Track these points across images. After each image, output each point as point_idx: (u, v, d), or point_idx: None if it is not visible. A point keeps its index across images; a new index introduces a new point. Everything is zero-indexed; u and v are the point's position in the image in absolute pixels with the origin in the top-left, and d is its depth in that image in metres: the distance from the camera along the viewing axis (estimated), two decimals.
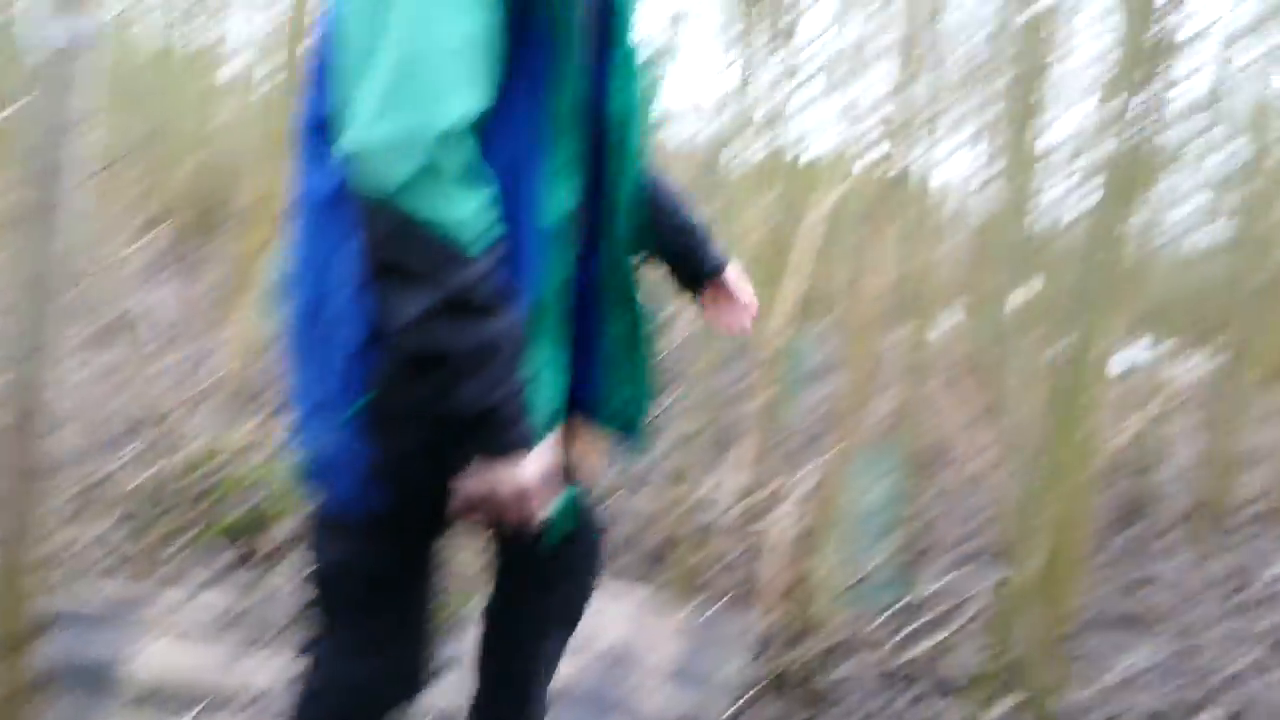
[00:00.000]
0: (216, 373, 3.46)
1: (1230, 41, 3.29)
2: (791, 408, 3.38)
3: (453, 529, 1.13)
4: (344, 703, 1.15)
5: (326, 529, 1.11)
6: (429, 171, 0.86)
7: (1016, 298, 2.33)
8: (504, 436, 0.93)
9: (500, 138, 0.98)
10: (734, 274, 1.37)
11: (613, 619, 2.22)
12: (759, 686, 2.07)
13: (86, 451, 2.63)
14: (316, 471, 1.07)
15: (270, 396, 3.15)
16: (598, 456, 1.41)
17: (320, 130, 1.02)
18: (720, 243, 1.37)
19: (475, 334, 0.89)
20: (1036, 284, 2.29)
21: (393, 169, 0.86)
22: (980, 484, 3.02)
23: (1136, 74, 1.73)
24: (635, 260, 1.19)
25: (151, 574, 2.20)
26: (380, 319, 0.95)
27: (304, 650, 1.18)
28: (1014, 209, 2.45)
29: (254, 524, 2.40)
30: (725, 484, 2.94)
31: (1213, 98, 3.37)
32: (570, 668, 1.71)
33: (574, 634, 1.36)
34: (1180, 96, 2.91)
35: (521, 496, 0.96)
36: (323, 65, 1.03)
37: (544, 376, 1.03)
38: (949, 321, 3.36)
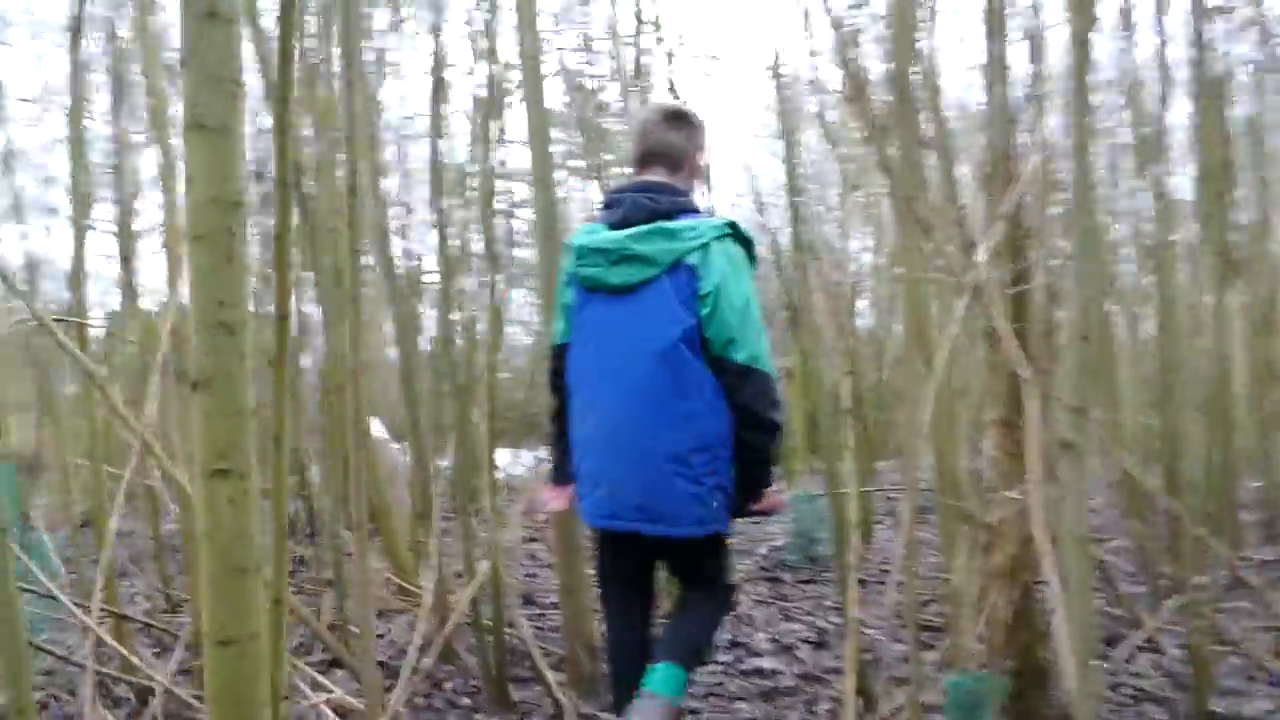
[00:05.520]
0: None
1: None
2: None
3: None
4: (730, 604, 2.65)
5: (723, 542, 2.40)
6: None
7: None
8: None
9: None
10: None
11: None
12: None
13: None
14: (714, 519, 2.26)
15: None
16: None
17: (692, 337, 2.22)
18: None
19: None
20: None
21: (770, 368, 2.23)
22: None
23: None
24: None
25: None
26: (762, 424, 2.24)
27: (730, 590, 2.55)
28: None
29: None
30: None
31: None
32: None
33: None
34: None
35: (778, 504, 2.39)
36: (691, 295, 2.22)
37: None
38: None
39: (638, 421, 2.22)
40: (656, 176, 2.38)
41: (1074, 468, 1.50)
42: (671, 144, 2.39)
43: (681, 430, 2.21)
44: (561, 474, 2.48)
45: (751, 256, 2.34)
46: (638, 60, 4.49)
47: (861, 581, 4.57)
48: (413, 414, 3.16)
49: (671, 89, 4.45)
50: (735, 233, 2.30)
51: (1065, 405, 1.38)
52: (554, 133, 4.12)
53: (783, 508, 2.50)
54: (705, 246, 2.22)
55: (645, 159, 2.41)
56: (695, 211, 2.34)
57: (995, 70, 2.69)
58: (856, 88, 3.10)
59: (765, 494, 2.32)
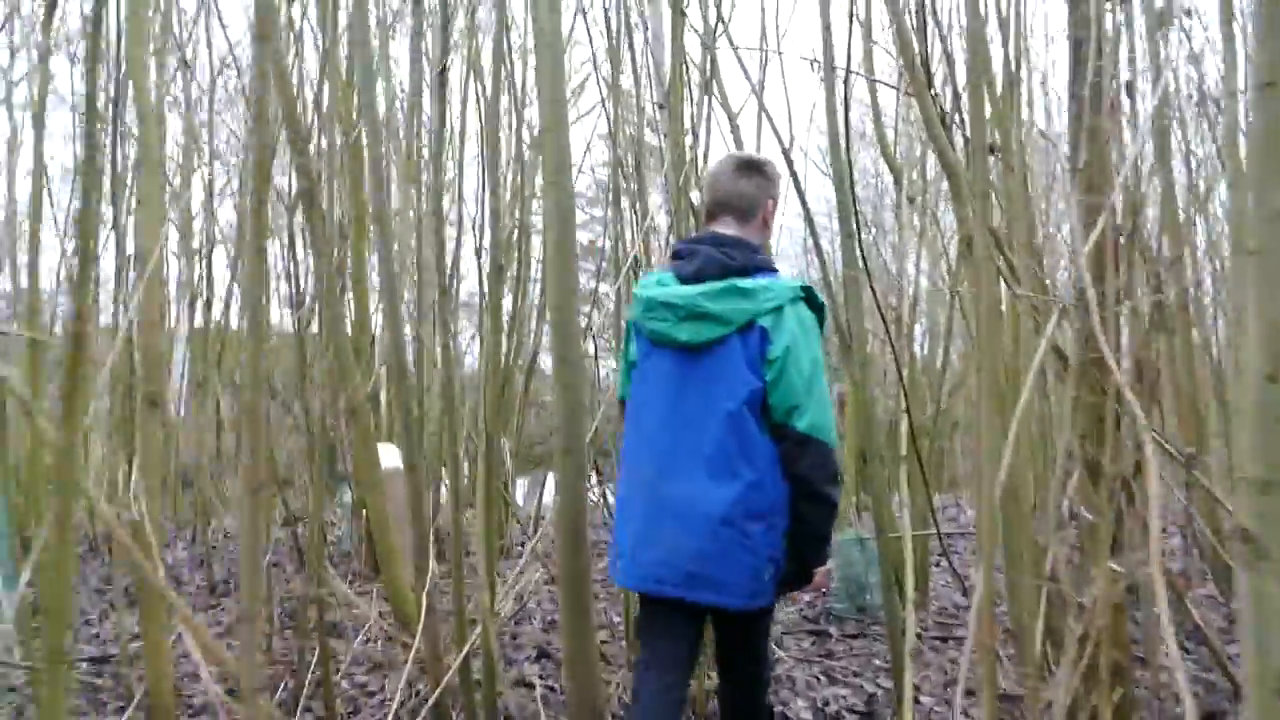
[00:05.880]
0: None
1: None
2: None
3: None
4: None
5: (769, 614, 2.40)
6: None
7: None
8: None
9: None
10: None
11: None
12: None
13: None
14: (766, 592, 2.18)
15: None
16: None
17: (757, 401, 2.15)
18: None
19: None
20: None
21: (832, 439, 2.17)
22: None
23: None
24: None
25: None
26: (818, 497, 2.17)
27: (767, 668, 2.49)
28: None
29: None
30: None
31: None
32: None
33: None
34: None
35: (822, 584, 2.28)
36: (759, 357, 2.15)
37: None
38: None
39: (697, 485, 2.15)
40: (727, 228, 2.32)
41: (1263, 573, 1.02)
42: (743, 194, 2.32)
43: (743, 498, 2.12)
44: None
45: (822, 321, 2.26)
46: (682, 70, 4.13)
47: (915, 636, 4.14)
48: (410, 441, 2.81)
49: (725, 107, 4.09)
50: (809, 296, 2.23)
51: (1251, 479, 0.96)
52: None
53: (826, 586, 2.45)
54: (779, 309, 2.16)
55: (715, 209, 2.35)
56: (771, 270, 2.26)
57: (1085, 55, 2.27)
58: (920, 80, 2.70)
59: (815, 572, 2.25)
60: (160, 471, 2.77)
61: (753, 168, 2.35)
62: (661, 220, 4.44)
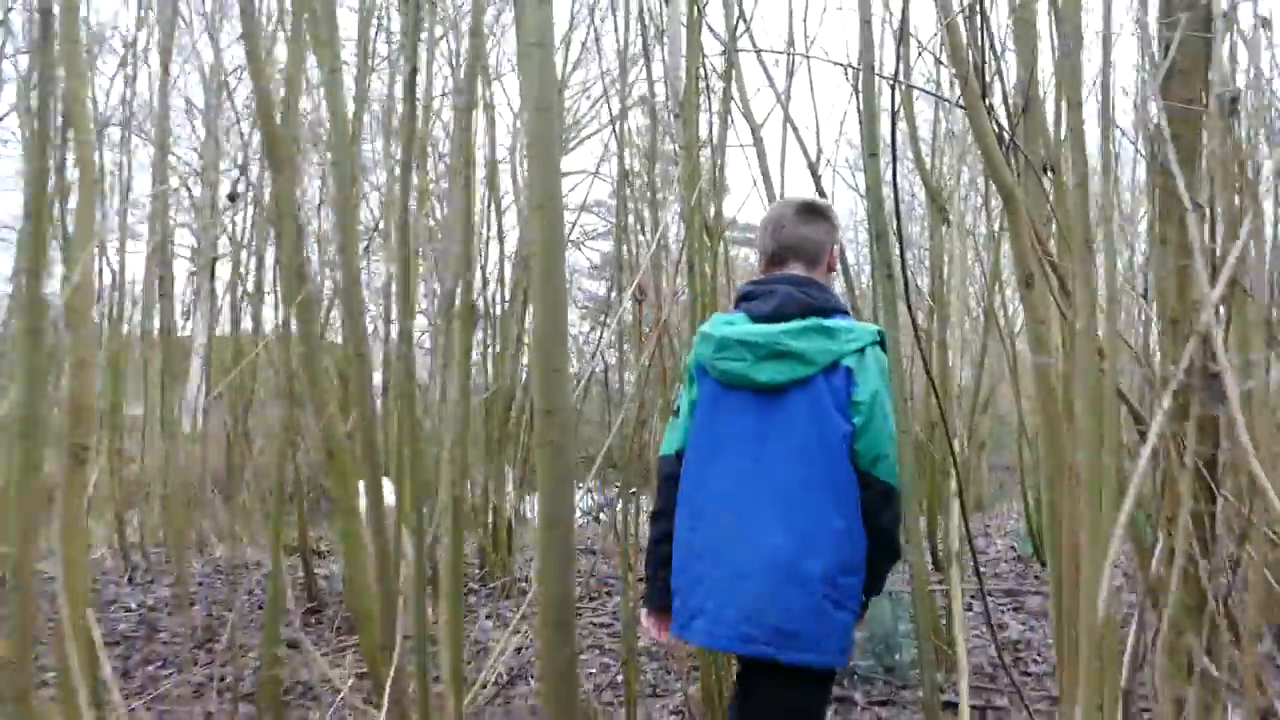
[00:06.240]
0: None
1: None
2: None
3: None
4: None
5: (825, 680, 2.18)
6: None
7: None
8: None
9: None
10: None
11: None
12: None
13: None
14: (849, 648, 2.11)
15: None
16: None
17: (847, 441, 2.06)
18: None
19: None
20: None
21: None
22: None
23: None
24: None
25: None
26: (891, 552, 2.10)
27: None
28: None
29: None
30: None
31: None
32: None
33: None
34: None
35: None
36: (846, 400, 2.06)
37: None
38: None
39: (788, 536, 2.02)
40: (794, 273, 2.25)
41: None
42: (808, 238, 2.27)
43: (836, 549, 2.03)
44: (663, 599, 2.21)
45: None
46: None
47: (949, 705, 3.71)
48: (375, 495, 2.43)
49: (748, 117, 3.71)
50: (883, 341, 2.18)
51: None
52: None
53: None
54: (862, 351, 2.10)
55: (779, 255, 2.28)
56: (846, 313, 2.19)
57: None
58: (973, 90, 2.30)
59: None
60: (116, 514, 2.41)
61: (816, 212, 2.31)
62: (672, 238, 4.06)
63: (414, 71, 2.16)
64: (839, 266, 2.36)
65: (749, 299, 2.22)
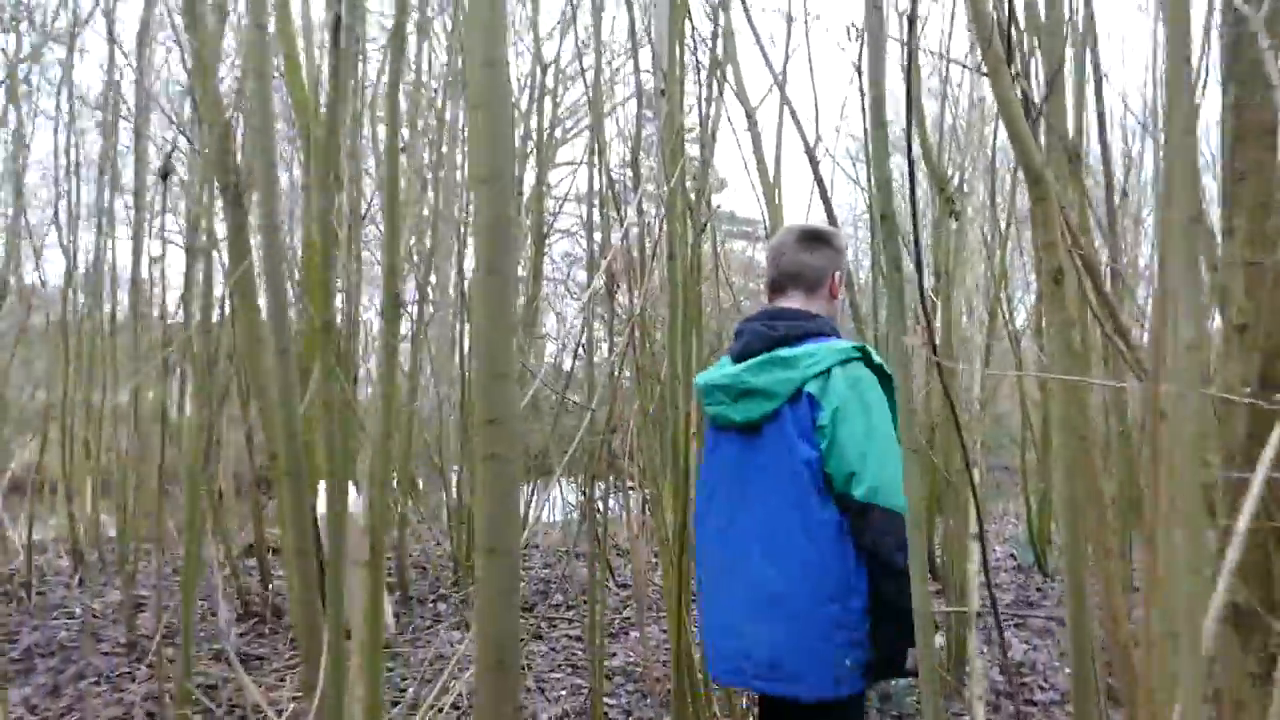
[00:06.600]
0: None
1: None
2: None
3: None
4: None
5: (859, 705, 2.11)
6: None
7: None
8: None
9: None
10: None
11: None
12: None
13: None
14: (848, 679, 2.01)
15: None
16: None
17: (816, 473, 2.03)
18: None
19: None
20: None
21: (902, 504, 1.90)
22: None
23: None
24: None
25: None
26: (888, 569, 1.94)
27: None
28: None
29: None
30: None
31: None
32: None
33: None
34: None
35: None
36: (812, 426, 2.04)
37: None
38: None
39: (763, 569, 2.06)
40: (791, 302, 2.25)
41: None
42: (808, 265, 2.24)
43: (810, 579, 2.03)
44: None
45: (887, 382, 2.09)
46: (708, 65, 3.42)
47: None
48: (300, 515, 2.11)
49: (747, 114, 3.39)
50: (865, 357, 2.11)
51: None
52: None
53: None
54: (826, 373, 2.06)
55: (778, 283, 2.28)
56: (824, 335, 2.15)
57: None
58: (996, 54, 1.99)
59: (909, 651, 2.01)
60: None
61: (818, 239, 2.27)
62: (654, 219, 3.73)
63: (338, 19, 1.83)
64: (842, 292, 2.31)
65: (736, 338, 2.25)
